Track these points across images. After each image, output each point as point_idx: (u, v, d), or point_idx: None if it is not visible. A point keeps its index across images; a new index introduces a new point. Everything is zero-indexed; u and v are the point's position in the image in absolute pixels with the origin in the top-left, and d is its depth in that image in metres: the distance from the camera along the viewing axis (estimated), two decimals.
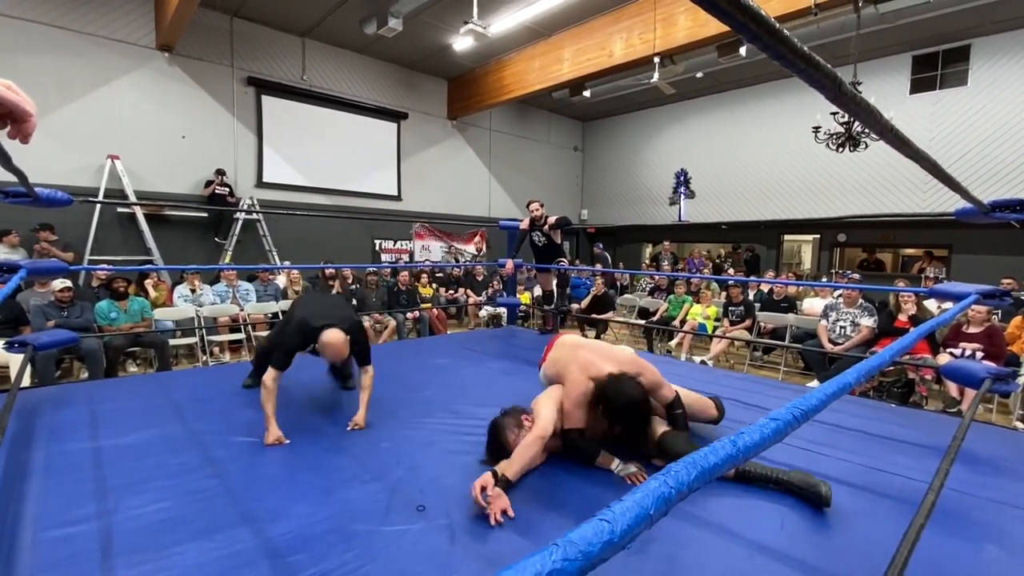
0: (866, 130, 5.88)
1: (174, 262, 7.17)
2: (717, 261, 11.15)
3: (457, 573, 1.31)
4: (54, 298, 4.71)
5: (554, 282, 5.02)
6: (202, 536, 1.43)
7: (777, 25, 0.48)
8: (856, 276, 7.35)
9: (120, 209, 6.92)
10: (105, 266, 5.98)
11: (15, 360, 4.14)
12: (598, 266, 9.91)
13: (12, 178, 1.70)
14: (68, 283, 4.78)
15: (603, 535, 0.36)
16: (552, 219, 4.66)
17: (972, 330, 4.45)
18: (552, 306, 5.04)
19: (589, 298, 7.81)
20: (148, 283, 6.17)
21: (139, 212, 6.96)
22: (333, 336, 2.16)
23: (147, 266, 6.37)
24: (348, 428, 2.24)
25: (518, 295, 5.42)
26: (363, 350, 2.34)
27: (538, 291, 5.94)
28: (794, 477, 1.75)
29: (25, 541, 1.38)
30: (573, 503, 1.68)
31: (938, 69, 8.14)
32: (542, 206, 4.77)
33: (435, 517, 1.55)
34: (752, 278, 7.66)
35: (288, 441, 2.07)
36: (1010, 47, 7.51)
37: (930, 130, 8.17)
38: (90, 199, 4.43)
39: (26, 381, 3.32)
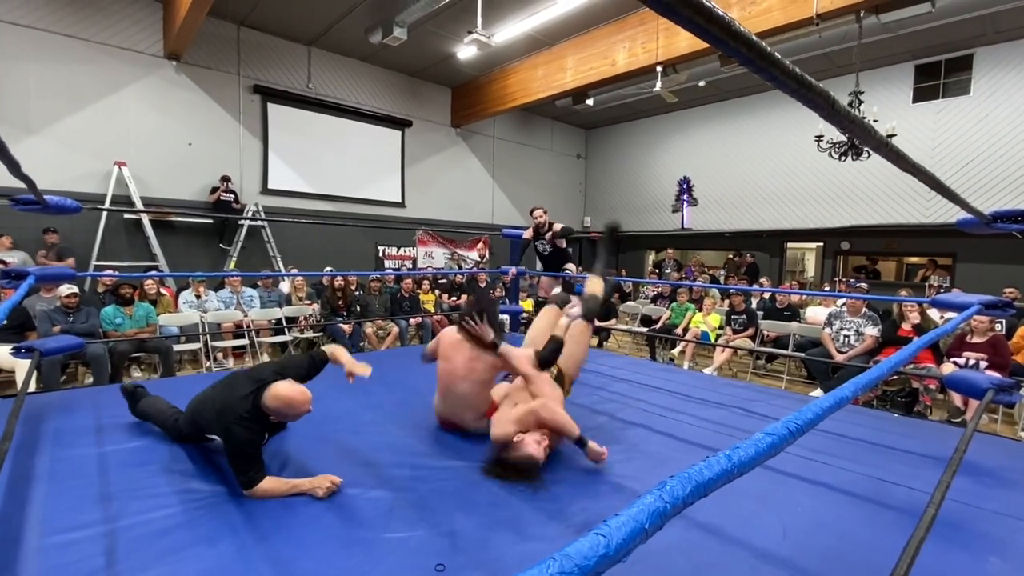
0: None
1: (179, 268, 7.22)
2: (716, 275, 10.96)
3: None
4: (60, 303, 4.75)
5: (557, 290, 5.02)
6: (205, 542, 1.44)
7: (768, 49, 0.49)
8: (863, 286, 7.33)
9: (126, 215, 6.98)
10: (111, 272, 6.02)
11: (21, 365, 4.17)
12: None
13: (21, 184, 1.73)
14: (74, 289, 4.82)
15: (599, 549, 0.37)
16: (557, 227, 4.68)
17: (976, 340, 4.43)
18: None
19: None
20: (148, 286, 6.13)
21: (145, 218, 7.02)
22: (282, 388, 1.73)
23: (152, 272, 6.40)
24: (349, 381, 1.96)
25: (520, 302, 5.43)
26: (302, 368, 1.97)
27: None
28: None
29: (30, 546, 1.39)
30: (575, 514, 1.68)
31: (941, 78, 8.16)
32: (546, 212, 4.76)
33: (437, 524, 1.56)
34: (754, 287, 7.66)
35: (341, 481, 1.76)
36: (1013, 57, 7.52)
37: (933, 139, 8.18)
38: (97, 207, 4.46)
39: (32, 386, 3.34)
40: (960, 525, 1.62)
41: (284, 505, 1.65)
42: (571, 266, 4.83)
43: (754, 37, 0.47)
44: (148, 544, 1.43)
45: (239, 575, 1.31)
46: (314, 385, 2.91)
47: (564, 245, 4.81)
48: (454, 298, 8.51)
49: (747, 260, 10.60)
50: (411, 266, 10.12)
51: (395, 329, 6.57)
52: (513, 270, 4.69)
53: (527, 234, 4.77)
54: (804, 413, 0.64)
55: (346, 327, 6.19)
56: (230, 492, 1.73)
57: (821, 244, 10.19)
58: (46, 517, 1.54)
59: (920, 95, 8.35)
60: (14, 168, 1.43)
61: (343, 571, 1.33)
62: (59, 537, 1.44)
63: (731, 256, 11.33)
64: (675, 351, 6.67)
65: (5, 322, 3.90)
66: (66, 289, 4.75)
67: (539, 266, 5.13)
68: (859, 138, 0.79)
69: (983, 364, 4.27)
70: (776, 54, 0.51)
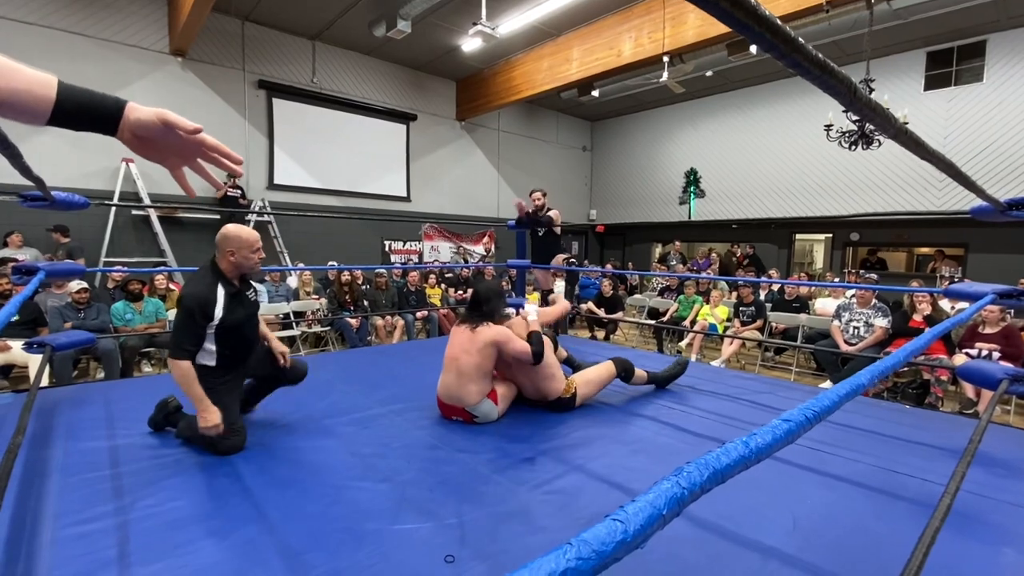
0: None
1: (188, 263, 7.26)
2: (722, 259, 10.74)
3: (468, 572, 1.31)
4: (71, 300, 4.79)
5: (554, 281, 5.05)
6: (216, 534, 1.45)
7: (793, 34, 0.48)
8: (873, 276, 7.26)
9: (135, 212, 7.02)
10: (120, 268, 6.07)
11: (34, 360, 4.22)
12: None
13: (28, 180, 1.74)
14: (85, 284, 4.86)
15: (616, 535, 0.36)
16: (554, 214, 4.78)
17: (988, 330, 4.38)
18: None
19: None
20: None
21: (153, 214, 7.06)
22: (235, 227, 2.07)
23: (161, 268, 6.45)
24: (281, 363, 2.24)
25: (527, 295, 5.42)
26: None
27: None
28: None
29: (44, 539, 1.41)
30: (583, 507, 1.68)
31: (953, 65, 8.02)
32: (544, 196, 4.91)
33: (446, 516, 1.56)
34: (761, 279, 7.60)
35: (225, 429, 1.92)
36: None
37: (945, 127, 8.05)
38: (105, 202, 4.51)
39: (44, 381, 3.38)
40: (974, 516, 1.60)
41: (294, 497, 1.66)
42: (560, 256, 4.89)
43: (779, 22, 0.45)
44: (160, 536, 1.44)
45: (249, 567, 1.32)
46: (320, 380, 2.94)
47: (558, 232, 4.88)
48: (460, 292, 8.52)
49: (747, 251, 10.43)
50: (417, 260, 10.13)
51: (402, 323, 6.59)
52: (542, 273, 4.78)
53: (528, 210, 4.87)
54: (821, 400, 0.63)
55: (353, 321, 6.22)
56: (240, 485, 1.74)
57: (830, 235, 10.09)
58: (59, 509, 1.55)
59: (932, 82, 8.21)
60: (25, 171, 1.46)
61: (352, 563, 1.33)
62: (72, 529, 1.45)
63: (731, 248, 11.19)
64: (683, 343, 6.65)
65: (18, 317, 3.95)
66: (76, 285, 4.79)
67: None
68: (878, 126, 0.77)
69: (996, 355, 4.22)
70: (800, 39, 0.49)
